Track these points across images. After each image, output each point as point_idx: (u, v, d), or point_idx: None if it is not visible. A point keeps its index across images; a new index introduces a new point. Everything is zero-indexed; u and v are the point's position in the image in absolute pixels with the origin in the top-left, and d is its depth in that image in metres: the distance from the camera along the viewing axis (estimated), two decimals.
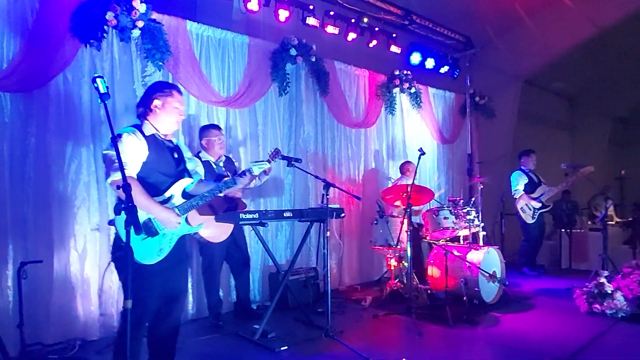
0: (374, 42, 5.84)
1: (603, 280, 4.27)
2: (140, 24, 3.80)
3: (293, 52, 4.91)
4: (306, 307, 4.34)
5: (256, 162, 2.84)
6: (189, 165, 2.69)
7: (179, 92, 2.61)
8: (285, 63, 4.91)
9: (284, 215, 3.70)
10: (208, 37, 4.49)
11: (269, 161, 3.98)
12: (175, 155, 2.60)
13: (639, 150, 12.67)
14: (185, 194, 2.58)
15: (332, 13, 5.35)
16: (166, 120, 2.53)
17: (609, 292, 4.17)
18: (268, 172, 4.08)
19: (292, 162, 3.85)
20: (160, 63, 3.99)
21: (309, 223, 3.96)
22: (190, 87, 4.28)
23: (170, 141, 2.62)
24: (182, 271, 2.67)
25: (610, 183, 8.68)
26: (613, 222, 7.61)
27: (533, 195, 6.12)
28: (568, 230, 7.00)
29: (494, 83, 7.55)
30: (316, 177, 4.09)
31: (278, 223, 4.99)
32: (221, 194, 2.72)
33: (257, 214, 3.54)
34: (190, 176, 2.67)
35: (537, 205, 6.09)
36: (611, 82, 9.09)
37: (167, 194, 2.49)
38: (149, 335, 2.58)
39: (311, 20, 5.16)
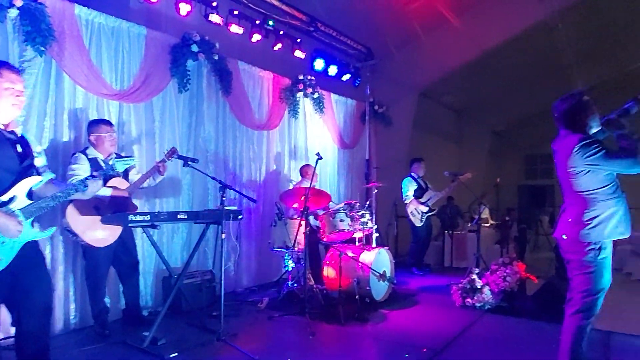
0: (279, 46, 5.91)
1: (474, 276, 4.80)
2: (18, 3, 3.44)
3: (195, 48, 4.77)
4: (200, 311, 4.25)
5: (121, 157, 2.68)
6: (38, 162, 2.41)
7: (12, 69, 2.31)
8: (186, 59, 4.76)
9: (178, 217, 3.58)
10: (100, 25, 4.19)
11: (165, 160, 3.88)
12: (20, 149, 2.29)
13: (513, 160, 14.48)
14: (31, 195, 2.31)
15: (236, 12, 5.29)
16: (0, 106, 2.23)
17: (479, 287, 4.70)
18: (163, 172, 3.94)
19: (189, 162, 3.75)
20: (42, 48, 3.64)
21: (205, 225, 3.89)
22: (78, 77, 3.96)
23: (14, 132, 2.32)
24: (36, 279, 2.35)
25: (488, 189, 9.75)
26: (488, 225, 8.57)
27: (421, 200, 6.66)
28: (451, 232, 7.73)
29: (392, 93, 8.07)
30: (212, 178, 4.02)
31: (174, 225, 4.82)
32: (86, 197, 2.51)
33: (148, 216, 3.39)
34: (38, 174, 2.39)
35: (425, 209, 6.64)
36: (491, 99, 10.23)
37: (7, 196, 2.19)
38: (17, 353, 2.34)
39: (214, 18, 5.05)
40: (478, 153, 12.04)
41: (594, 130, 2.76)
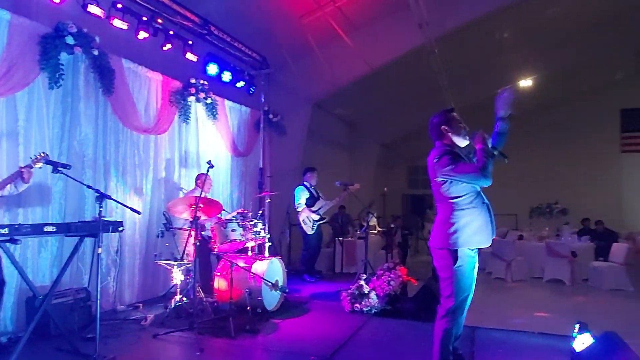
0: (169, 46, 5.59)
1: (362, 282, 5.04)
2: None
3: (70, 40, 4.30)
4: (73, 334, 3.80)
5: None
6: None
7: None
8: (59, 51, 4.26)
9: (45, 229, 3.17)
10: None
11: (31, 166, 3.40)
12: None
13: (398, 171, 15.61)
14: None
15: (120, 6, 4.89)
16: None
17: (366, 292, 4.94)
18: (28, 180, 3.47)
19: (59, 168, 3.35)
20: None
21: (78, 238, 3.49)
22: None
23: None
24: None
25: (376, 198, 10.35)
26: (376, 232, 9.08)
27: (313, 209, 6.82)
28: (341, 239, 8.02)
29: (287, 103, 8.17)
30: (88, 186, 3.64)
31: (42, 238, 4.25)
32: None
33: (6, 229, 2.95)
34: None
35: (316, 217, 6.82)
36: (379, 113, 10.91)
37: None
38: None
39: (94, 9, 4.60)
40: (367, 164, 12.74)
41: (462, 143, 3.02)
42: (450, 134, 2.98)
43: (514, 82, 10.13)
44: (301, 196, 6.82)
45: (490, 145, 2.87)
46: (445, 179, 2.88)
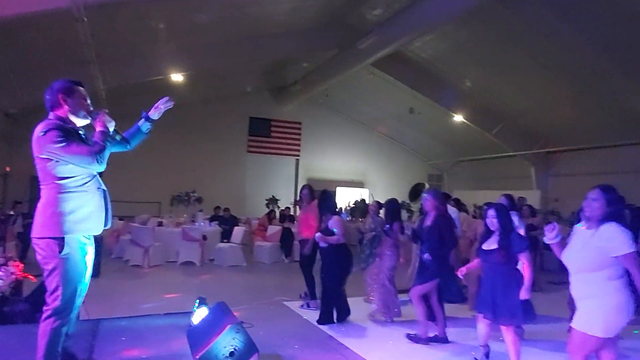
0: None
1: None
2: None
3: None
4: None
5: None
6: None
7: None
8: None
9: None
10: None
11: None
12: None
13: (26, 147, 13.12)
14: None
15: None
16: None
17: None
18: None
19: None
20: None
21: None
22: None
23: None
24: None
25: None
26: None
27: None
28: None
29: None
30: None
31: None
32: None
33: None
34: None
35: None
36: (4, 76, 8.84)
37: None
38: None
39: None
40: None
41: (79, 123, 2.72)
42: (67, 106, 2.65)
43: (166, 74, 10.42)
44: None
45: (112, 130, 2.76)
46: (52, 157, 2.52)
